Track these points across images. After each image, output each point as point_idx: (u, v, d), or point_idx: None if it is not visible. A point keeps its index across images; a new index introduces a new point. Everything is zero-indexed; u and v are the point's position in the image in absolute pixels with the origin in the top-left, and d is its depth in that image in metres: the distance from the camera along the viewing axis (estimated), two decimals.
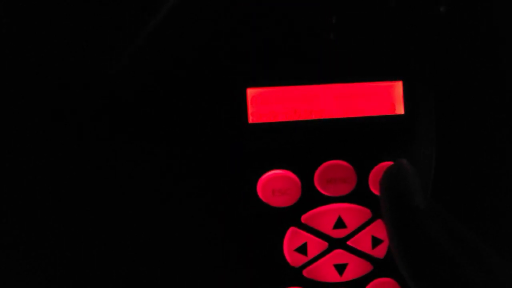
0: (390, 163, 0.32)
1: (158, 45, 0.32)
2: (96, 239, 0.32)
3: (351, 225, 0.32)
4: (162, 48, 0.32)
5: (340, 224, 0.32)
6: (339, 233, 0.32)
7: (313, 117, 0.32)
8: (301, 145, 0.32)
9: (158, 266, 0.32)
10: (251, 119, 0.32)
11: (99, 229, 0.32)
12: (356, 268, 0.33)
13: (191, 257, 0.33)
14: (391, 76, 0.33)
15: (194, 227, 0.32)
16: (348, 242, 0.32)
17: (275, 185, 0.32)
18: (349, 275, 0.33)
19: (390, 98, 0.33)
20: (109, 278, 0.33)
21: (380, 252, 0.33)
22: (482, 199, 0.35)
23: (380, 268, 0.33)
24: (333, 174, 0.32)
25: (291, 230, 0.32)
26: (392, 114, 0.33)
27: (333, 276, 0.32)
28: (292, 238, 0.32)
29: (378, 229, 0.33)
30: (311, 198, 0.32)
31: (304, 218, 0.32)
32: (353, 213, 0.32)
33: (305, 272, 0.32)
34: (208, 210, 0.32)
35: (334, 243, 0.32)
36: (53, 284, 0.32)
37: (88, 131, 0.32)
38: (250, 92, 0.32)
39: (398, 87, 0.33)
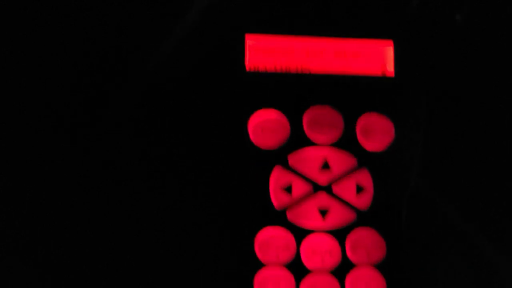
0: (379, 115, 0.34)
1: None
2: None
3: (336, 169, 0.33)
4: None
5: (325, 166, 0.33)
6: (324, 176, 0.33)
7: (307, 71, 0.34)
8: (293, 92, 0.34)
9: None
10: (248, 66, 0.34)
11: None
12: (339, 215, 0.33)
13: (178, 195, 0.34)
14: (382, 36, 0.35)
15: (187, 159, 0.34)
16: (333, 187, 0.33)
17: (265, 123, 0.33)
18: (332, 221, 0.33)
19: (381, 58, 0.35)
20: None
21: (363, 202, 0.33)
22: (472, 166, 0.35)
23: (363, 218, 0.33)
24: (322, 117, 0.33)
25: (278, 169, 0.33)
26: (382, 75, 0.35)
27: (315, 221, 0.33)
28: (278, 177, 0.33)
29: (363, 177, 0.33)
30: (298, 140, 0.33)
31: (291, 159, 0.33)
32: (339, 158, 0.33)
33: (288, 215, 0.33)
34: (202, 148, 0.34)
35: (319, 187, 0.33)
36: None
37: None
38: (248, 38, 0.34)
39: (389, 48, 0.35)
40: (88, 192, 0.33)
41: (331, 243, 0.33)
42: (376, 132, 0.34)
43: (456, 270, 0.33)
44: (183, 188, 0.34)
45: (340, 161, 0.33)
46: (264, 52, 0.34)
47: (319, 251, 0.33)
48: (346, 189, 0.33)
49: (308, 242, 0.33)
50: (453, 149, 0.36)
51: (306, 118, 0.33)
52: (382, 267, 0.33)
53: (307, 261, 0.33)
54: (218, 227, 0.33)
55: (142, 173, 0.34)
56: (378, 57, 0.35)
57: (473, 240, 0.34)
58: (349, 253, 0.33)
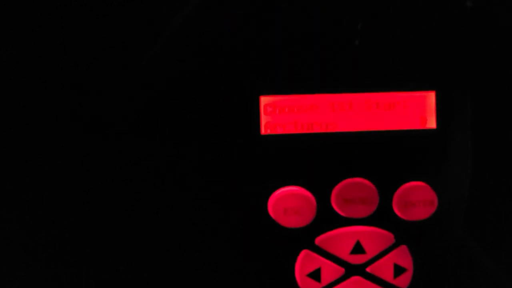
0: (418, 183, 0.29)
1: (171, 50, 0.29)
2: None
3: (371, 251, 0.29)
4: (174, 52, 0.29)
5: (358, 249, 0.29)
6: (357, 259, 0.29)
7: (333, 130, 0.29)
8: (318, 160, 0.29)
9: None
10: (263, 130, 0.29)
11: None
12: None
13: (196, 281, 0.30)
14: (422, 86, 0.29)
15: (199, 246, 0.30)
16: (368, 269, 0.29)
17: (288, 203, 0.29)
18: None
19: (420, 110, 0.29)
20: None
21: (403, 282, 0.29)
22: None
23: None
24: (353, 193, 0.29)
25: (304, 253, 0.29)
26: (423, 128, 0.29)
27: None
28: (304, 262, 0.29)
29: (402, 256, 0.29)
30: (327, 219, 0.29)
31: (318, 241, 0.29)
32: (374, 238, 0.29)
33: None
34: (216, 229, 0.30)
35: (352, 269, 0.29)
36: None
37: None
38: (264, 100, 0.29)
39: (430, 98, 0.29)
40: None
41: None
42: (416, 203, 0.29)
43: None
44: (210, 274, 0.30)
45: (375, 241, 0.29)
46: (281, 113, 0.29)
47: None
48: (383, 272, 0.29)
49: None
50: (501, 204, 0.31)
51: (335, 194, 0.29)
52: None
53: None
54: None
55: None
56: (416, 110, 0.29)
57: None
58: None
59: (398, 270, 0.29)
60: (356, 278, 0.29)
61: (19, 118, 0.30)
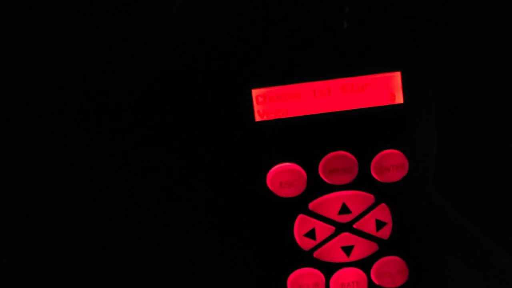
0: (391, 151, 0.34)
1: (163, 46, 0.34)
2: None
3: (356, 210, 0.35)
4: (167, 49, 0.34)
5: (344, 210, 0.35)
6: (345, 218, 0.35)
7: (316, 112, 0.34)
8: (305, 138, 0.34)
9: (166, 261, 0.36)
10: (257, 117, 0.34)
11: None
12: (362, 249, 0.35)
13: (204, 246, 0.36)
14: (389, 68, 0.34)
15: (208, 221, 0.36)
16: (354, 226, 0.35)
17: (283, 177, 0.34)
18: (356, 255, 0.35)
19: (389, 88, 0.34)
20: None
21: (384, 233, 0.35)
22: (484, 188, 0.37)
23: (385, 247, 0.35)
24: (336, 164, 0.34)
25: (300, 217, 0.35)
26: (392, 103, 0.34)
27: (341, 257, 0.35)
28: (301, 224, 0.35)
29: (382, 212, 0.35)
30: (317, 188, 0.34)
31: (311, 206, 0.35)
32: (357, 199, 0.35)
33: (315, 254, 0.35)
34: (225, 204, 0.35)
35: (341, 227, 0.35)
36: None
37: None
38: (255, 92, 0.34)
39: (396, 77, 0.34)
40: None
41: (357, 274, 0.36)
42: (390, 168, 0.34)
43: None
44: (214, 241, 0.36)
45: (358, 202, 0.35)
46: (271, 102, 0.34)
47: (347, 283, 0.35)
48: (367, 226, 0.35)
49: (335, 277, 0.35)
50: (464, 164, 0.36)
51: (321, 166, 0.34)
52: None
53: None
54: (251, 275, 0.36)
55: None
56: (386, 88, 0.34)
57: (487, 253, 0.36)
58: (375, 281, 0.36)
59: (380, 224, 0.35)
60: (345, 234, 0.35)
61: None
